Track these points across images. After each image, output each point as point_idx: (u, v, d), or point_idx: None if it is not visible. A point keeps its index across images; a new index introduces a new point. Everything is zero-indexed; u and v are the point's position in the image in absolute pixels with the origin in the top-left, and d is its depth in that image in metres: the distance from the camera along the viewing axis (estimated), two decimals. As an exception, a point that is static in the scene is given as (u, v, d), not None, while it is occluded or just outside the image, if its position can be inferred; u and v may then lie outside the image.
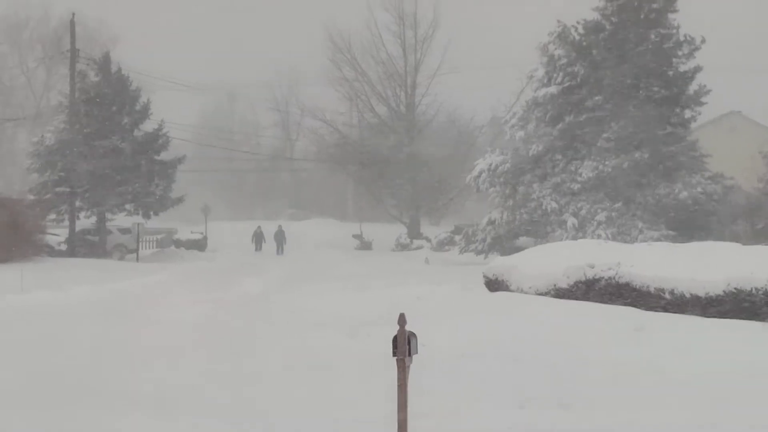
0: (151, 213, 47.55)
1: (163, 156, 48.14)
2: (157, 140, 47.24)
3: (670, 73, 40.71)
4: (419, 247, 60.54)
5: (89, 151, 44.47)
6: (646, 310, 16.43)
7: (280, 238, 58.39)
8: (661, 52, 40.42)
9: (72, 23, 47.78)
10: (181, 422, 8.85)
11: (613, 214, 38.34)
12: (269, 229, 60.76)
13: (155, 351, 13.87)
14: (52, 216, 44.92)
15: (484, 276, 21.74)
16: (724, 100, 53.34)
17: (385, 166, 68.45)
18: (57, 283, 25.22)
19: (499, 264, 21.90)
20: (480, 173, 42.56)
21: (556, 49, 41.76)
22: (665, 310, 16.34)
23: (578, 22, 41.69)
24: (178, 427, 8.67)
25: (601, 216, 38.28)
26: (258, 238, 60.03)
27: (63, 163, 44.46)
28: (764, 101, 71.02)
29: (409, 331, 6.75)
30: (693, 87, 40.67)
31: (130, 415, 9.00)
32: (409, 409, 6.82)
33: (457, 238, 52.58)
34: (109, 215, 47.22)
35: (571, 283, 18.36)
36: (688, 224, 37.74)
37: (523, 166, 41.64)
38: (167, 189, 47.49)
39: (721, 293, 16.00)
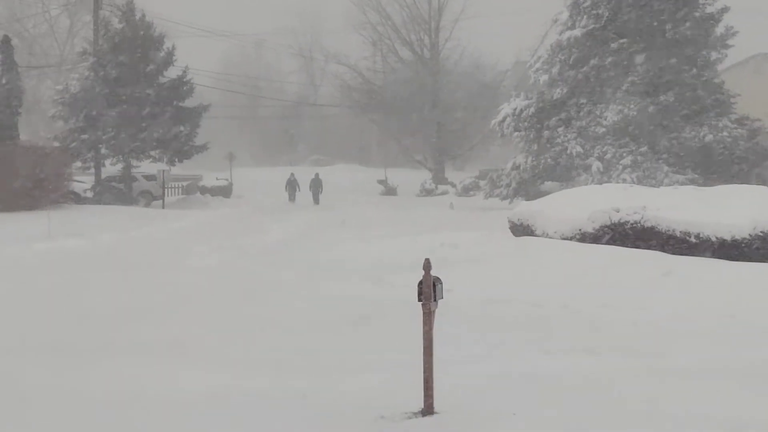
0: (176, 160, 47.66)
1: (188, 103, 48.14)
2: (181, 87, 47.22)
3: (696, 14, 40.20)
4: (444, 193, 60.45)
5: (114, 98, 44.54)
6: (672, 253, 16.37)
7: (316, 186, 53.28)
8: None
9: (95, -32, 47.60)
10: (194, 372, 8.91)
11: (639, 157, 38.11)
12: (303, 178, 55.35)
13: (174, 300, 13.90)
14: (78, 163, 45.12)
15: (510, 221, 21.70)
16: (751, 42, 52.66)
17: (410, 111, 68.32)
18: (83, 230, 25.38)
19: (524, 209, 21.83)
20: (504, 118, 42.38)
21: (580, -9, 41.33)
22: (691, 253, 16.28)
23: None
24: (193, 378, 8.72)
25: (627, 160, 38.08)
26: (291, 187, 54.33)
27: (88, 110, 44.53)
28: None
29: (435, 277, 6.75)
30: (719, 29, 40.20)
31: (144, 364, 9.07)
32: (434, 353, 6.84)
33: (482, 183, 52.54)
34: (134, 162, 47.39)
35: (597, 227, 18.30)
36: (714, 167, 37.55)
37: (548, 110, 41.42)
38: (191, 136, 47.52)
39: (747, 236, 15.96)
